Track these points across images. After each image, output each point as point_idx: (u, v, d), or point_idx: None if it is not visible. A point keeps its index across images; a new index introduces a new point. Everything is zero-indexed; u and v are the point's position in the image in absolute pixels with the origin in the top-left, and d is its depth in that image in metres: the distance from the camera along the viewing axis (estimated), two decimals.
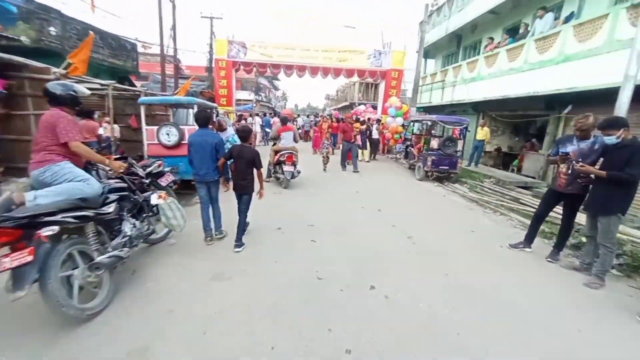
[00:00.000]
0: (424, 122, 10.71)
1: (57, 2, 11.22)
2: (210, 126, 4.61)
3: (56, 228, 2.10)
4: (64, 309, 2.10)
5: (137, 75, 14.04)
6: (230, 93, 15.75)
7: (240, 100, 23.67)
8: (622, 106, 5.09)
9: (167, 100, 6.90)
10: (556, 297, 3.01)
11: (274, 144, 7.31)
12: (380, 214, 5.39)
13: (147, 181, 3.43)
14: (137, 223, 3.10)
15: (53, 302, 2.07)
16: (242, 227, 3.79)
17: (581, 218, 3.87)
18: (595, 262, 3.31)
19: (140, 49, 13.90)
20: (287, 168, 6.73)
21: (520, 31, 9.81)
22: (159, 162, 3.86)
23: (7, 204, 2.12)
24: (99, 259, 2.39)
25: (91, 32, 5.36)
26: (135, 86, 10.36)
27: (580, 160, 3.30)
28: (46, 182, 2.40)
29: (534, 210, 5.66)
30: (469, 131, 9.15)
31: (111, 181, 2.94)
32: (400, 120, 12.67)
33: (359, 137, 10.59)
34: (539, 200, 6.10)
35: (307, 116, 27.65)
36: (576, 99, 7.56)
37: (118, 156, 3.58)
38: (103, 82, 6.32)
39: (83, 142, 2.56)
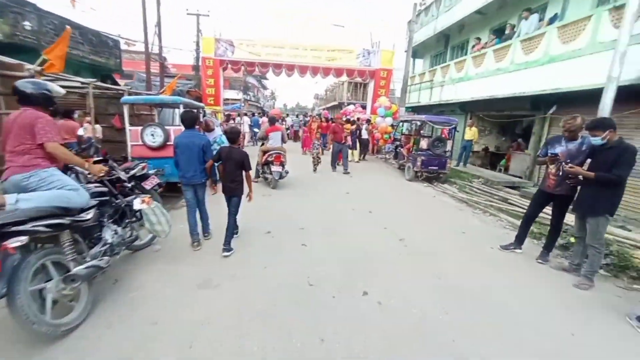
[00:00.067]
0: (413, 122, 10.76)
1: None
2: (197, 127, 4.47)
3: (24, 238, 1.94)
4: (35, 325, 1.95)
5: (121, 73, 13.60)
6: (217, 92, 15.45)
7: (228, 99, 23.31)
8: (605, 107, 5.20)
9: (151, 99, 6.67)
10: (546, 298, 3.02)
11: (262, 144, 7.25)
12: (371, 216, 5.35)
13: (130, 185, 3.28)
14: (119, 229, 2.96)
15: (22, 319, 1.91)
16: (231, 230, 3.68)
17: (570, 218, 3.92)
18: (584, 263, 3.35)
19: (123, 46, 13.46)
20: (275, 168, 6.71)
21: (507, 32, 9.95)
22: (143, 164, 3.72)
23: None
24: (75, 270, 2.22)
25: (67, 27, 5.09)
26: (118, 84, 10.01)
27: (568, 161, 3.33)
28: (29, 188, 2.24)
29: (523, 210, 5.75)
30: (457, 131, 9.24)
31: (90, 185, 2.79)
32: (389, 120, 12.70)
33: (349, 137, 10.54)
34: (527, 201, 6.22)
35: (297, 116, 27.48)
36: (561, 100, 7.71)
37: (98, 158, 3.40)
38: (83, 80, 6.05)
39: (62, 144, 2.40)
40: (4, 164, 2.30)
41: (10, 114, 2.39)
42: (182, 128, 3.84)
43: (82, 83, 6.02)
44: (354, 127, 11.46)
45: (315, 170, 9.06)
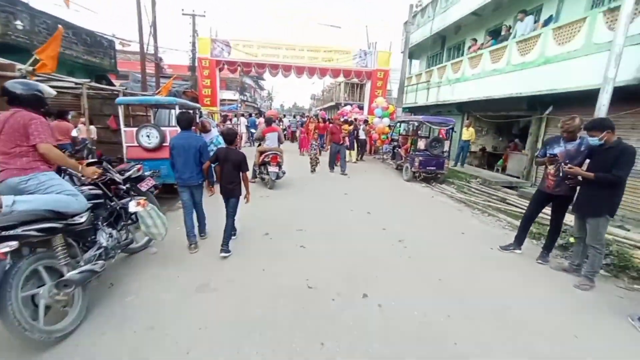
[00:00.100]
0: (410, 122, 10.77)
1: None
2: (194, 127, 4.42)
3: (14, 244, 1.87)
4: (28, 333, 1.88)
5: (116, 74, 13.49)
6: (214, 93, 15.38)
7: (224, 100, 23.23)
8: (601, 108, 5.23)
9: (146, 100, 6.59)
10: (548, 300, 3.00)
11: (259, 145, 7.24)
12: (370, 216, 5.32)
13: (125, 187, 3.22)
14: (114, 232, 2.90)
15: (14, 326, 1.84)
16: (229, 231, 3.64)
17: (569, 218, 3.92)
18: (585, 263, 3.34)
19: (118, 46, 13.34)
20: (271, 169, 6.73)
21: (503, 33, 10.00)
22: (139, 165, 3.66)
23: None
24: (69, 275, 2.16)
25: (59, 26, 5.00)
26: (113, 85, 9.89)
27: (567, 161, 3.33)
28: (27, 191, 2.18)
29: (521, 210, 5.76)
30: (455, 132, 9.25)
31: (84, 188, 2.73)
32: (387, 120, 12.70)
33: (347, 138, 10.52)
34: (525, 200, 6.24)
35: (294, 116, 27.43)
36: (557, 100, 7.75)
37: (93, 160, 3.34)
38: (77, 80, 5.95)
39: (55, 146, 2.34)
40: None
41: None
42: (178, 129, 3.80)
43: (76, 83, 5.93)
44: (351, 127, 11.44)
45: (313, 171, 9.02)
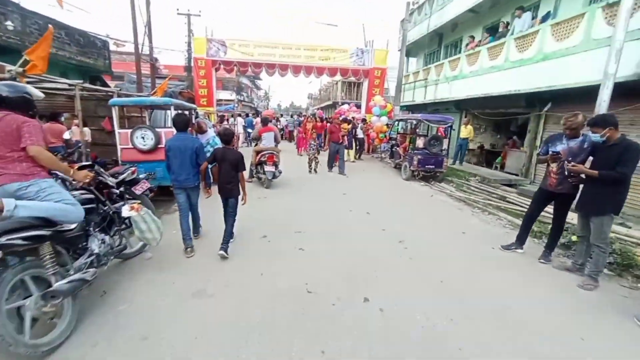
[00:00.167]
0: (408, 121, 10.70)
1: None
2: (190, 128, 4.33)
3: None
4: (12, 347, 1.79)
5: (111, 74, 13.35)
6: (210, 93, 15.26)
7: (221, 100, 23.06)
8: (602, 104, 5.18)
9: (141, 101, 6.47)
10: (551, 300, 2.94)
11: (256, 145, 7.22)
12: (369, 217, 5.25)
13: (119, 191, 3.12)
14: (107, 238, 2.80)
15: None
16: (230, 231, 3.59)
17: (571, 217, 3.86)
18: (588, 263, 3.28)
19: (112, 47, 13.19)
20: (268, 168, 6.73)
21: (500, 30, 9.95)
22: (133, 168, 3.56)
23: None
24: (56, 285, 2.05)
25: (50, 26, 4.88)
26: (107, 86, 9.76)
27: (570, 159, 3.26)
28: (26, 197, 2.10)
29: (521, 208, 5.71)
30: (453, 130, 9.20)
31: (76, 192, 2.63)
32: (385, 119, 12.63)
33: (346, 137, 10.42)
34: (525, 198, 6.19)
35: (291, 116, 27.32)
36: (556, 97, 7.71)
37: (85, 163, 3.24)
38: (69, 81, 5.84)
39: (47, 149, 2.25)
40: None
41: None
42: (174, 131, 3.72)
43: (69, 85, 5.81)
44: (350, 126, 11.36)
45: (310, 171, 8.94)
